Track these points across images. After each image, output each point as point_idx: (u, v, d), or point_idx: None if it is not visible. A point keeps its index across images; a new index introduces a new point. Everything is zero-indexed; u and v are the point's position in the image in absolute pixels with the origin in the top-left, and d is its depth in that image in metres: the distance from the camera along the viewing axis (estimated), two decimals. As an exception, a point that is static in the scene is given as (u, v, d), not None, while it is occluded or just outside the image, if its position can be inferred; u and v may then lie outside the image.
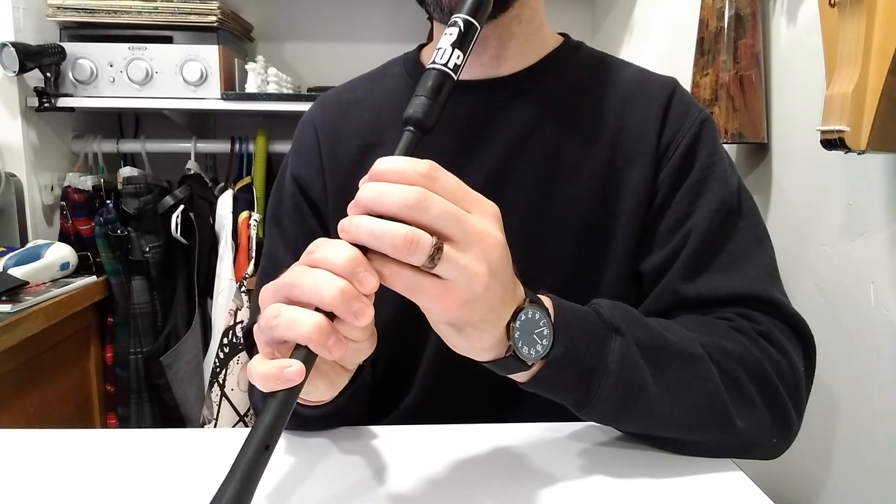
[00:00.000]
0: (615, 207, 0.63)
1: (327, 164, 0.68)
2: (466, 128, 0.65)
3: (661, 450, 0.53)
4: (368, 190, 0.38)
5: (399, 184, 0.37)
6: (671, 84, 0.67)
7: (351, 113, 0.69)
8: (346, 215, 0.39)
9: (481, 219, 0.39)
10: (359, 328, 0.38)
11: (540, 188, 0.63)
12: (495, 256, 0.39)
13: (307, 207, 0.68)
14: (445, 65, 0.42)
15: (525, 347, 0.43)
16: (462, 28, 0.43)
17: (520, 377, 0.46)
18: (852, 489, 0.81)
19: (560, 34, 0.71)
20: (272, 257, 0.69)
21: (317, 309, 0.37)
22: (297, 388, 0.36)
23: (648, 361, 0.48)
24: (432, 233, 0.36)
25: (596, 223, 0.62)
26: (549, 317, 0.45)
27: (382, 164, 0.39)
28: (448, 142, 0.64)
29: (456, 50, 0.42)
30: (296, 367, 0.36)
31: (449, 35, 0.43)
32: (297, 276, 0.38)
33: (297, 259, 0.39)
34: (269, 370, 0.36)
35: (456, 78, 0.43)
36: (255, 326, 0.39)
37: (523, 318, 0.43)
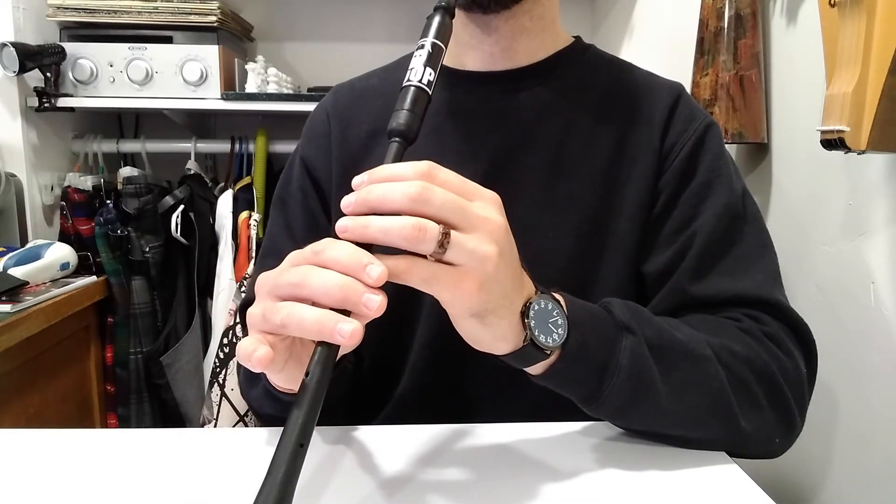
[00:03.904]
0: (616, 205, 0.63)
1: (335, 146, 0.69)
2: (472, 117, 0.66)
3: (662, 444, 0.53)
4: (372, 191, 0.39)
5: (399, 182, 0.39)
6: (677, 88, 0.67)
7: (363, 99, 0.71)
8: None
9: (483, 205, 0.41)
10: (371, 318, 0.38)
11: (542, 180, 0.64)
12: (501, 238, 0.41)
13: (311, 189, 0.70)
14: (420, 81, 0.45)
15: (542, 335, 0.44)
16: (430, 49, 0.47)
17: (535, 370, 0.47)
18: (851, 487, 0.81)
19: (573, 37, 0.71)
20: (272, 237, 0.71)
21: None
22: (324, 384, 0.37)
23: (657, 360, 0.49)
24: (437, 222, 0.38)
25: (596, 218, 0.63)
26: (562, 307, 0.46)
27: (381, 169, 0.40)
28: (452, 130, 0.66)
29: (428, 68, 0.46)
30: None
31: (419, 56, 0.46)
32: (304, 275, 0.38)
33: (294, 241, 0.40)
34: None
35: (430, 93, 0.45)
36: (250, 315, 0.40)
37: (536, 307, 0.44)
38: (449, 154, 0.64)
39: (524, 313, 0.44)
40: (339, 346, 0.38)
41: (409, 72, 0.46)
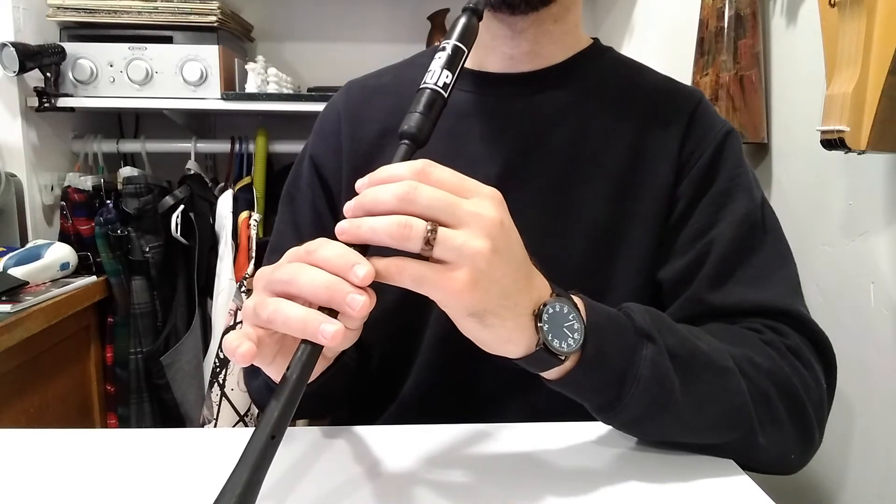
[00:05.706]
0: (631, 210, 0.62)
1: (346, 145, 0.68)
2: (488, 119, 0.65)
3: (670, 449, 0.52)
4: (367, 194, 0.40)
5: (392, 182, 0.39)
6: (697, 95, 0.67)
7: (375, 98, 0.70)
8: None
9: (478, 201, 0.40)
10: (357, 318, 0.39)
11: (556, 183, 0.63)
12: (495, 233, 0.39)
13: (319, 188, 0.69)
14: (436, 83, 0.45)
15: (556, 340, 0.43)
16: (451, 52, 0.46)
17: (550, 375, 0.46)
18: (851, 487, 0.81)
19: (591, 38, 0.71)
20: (279, 234, 0.71)
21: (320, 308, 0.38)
22: (303, 381, 0.37)
23: (678, 370, 0.47)
24: (428, 220, 0.38)
25: (610, 224, 0.62)
26: (579, 311, 0.44)
27: (380, 171, 0.41)
28: (467, 132, 0.65)
29: (445, 70, 0.45)
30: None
31: (439, 58, 0.46)
32: (294, 273, 0.39)
33: (300, 239, 0.41)
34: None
35: (446, 96, 0.45)
36: (244, 308, 0.40)
37: (551, 310, 0.43)
38: (463, 156, 0.63)
39: (538, 316, 0.42)
40: (322, 346, 0.38)
41: (427, 73, 0.45)
